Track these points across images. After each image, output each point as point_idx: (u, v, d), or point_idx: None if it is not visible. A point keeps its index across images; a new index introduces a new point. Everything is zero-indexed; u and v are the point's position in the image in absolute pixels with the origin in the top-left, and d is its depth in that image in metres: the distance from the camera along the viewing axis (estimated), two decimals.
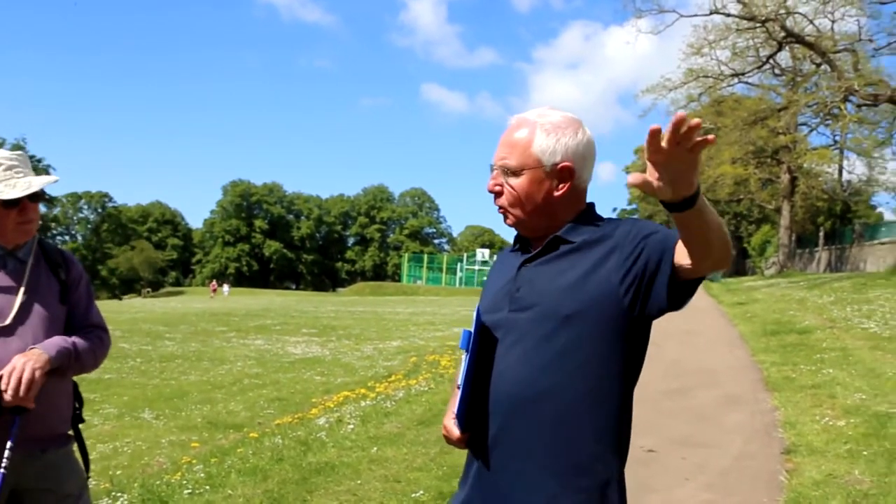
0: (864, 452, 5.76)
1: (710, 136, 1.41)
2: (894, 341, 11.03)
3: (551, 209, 1.92)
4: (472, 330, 1.89)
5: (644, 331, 1.88)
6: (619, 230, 1.86)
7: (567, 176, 1.91)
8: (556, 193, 1.91)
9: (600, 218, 1.97)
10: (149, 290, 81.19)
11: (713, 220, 1.57)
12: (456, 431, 1.92)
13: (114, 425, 8.47)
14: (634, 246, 1.77)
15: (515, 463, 1.83)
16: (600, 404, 1.82)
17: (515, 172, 1.91)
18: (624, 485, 1.87)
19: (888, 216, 44.15)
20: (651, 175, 1.47)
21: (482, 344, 1.90)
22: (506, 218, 1.97)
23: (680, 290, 1.72)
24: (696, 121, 1.38)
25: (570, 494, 1.78)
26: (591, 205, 2.00)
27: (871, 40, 24.73)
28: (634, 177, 1.47)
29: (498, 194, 1.95)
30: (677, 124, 1.37)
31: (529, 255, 1.96)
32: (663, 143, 1.40)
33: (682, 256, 1.66)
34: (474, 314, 1.95)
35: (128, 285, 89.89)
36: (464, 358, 1.90)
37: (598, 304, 1.79)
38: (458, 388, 1.90)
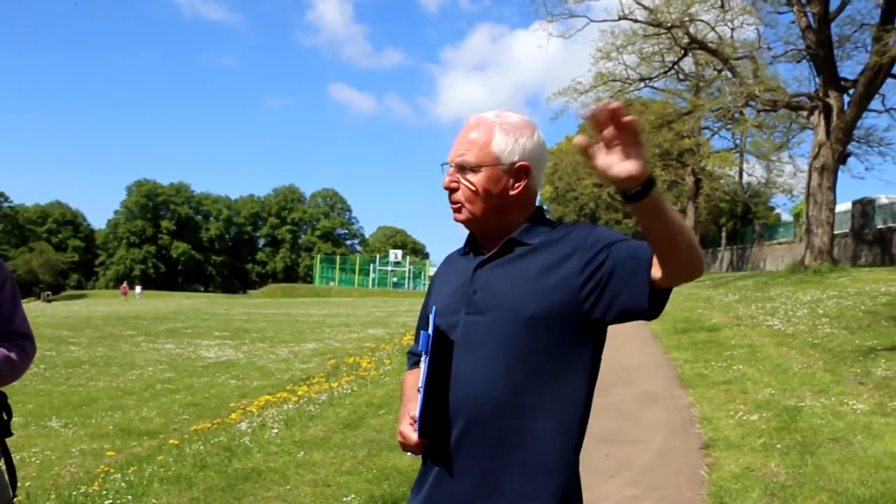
0: (778, 445, 5.98)
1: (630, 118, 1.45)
2: (797, 338, 11.50)
3: (506, 208, 1.93)
4: (429, 332, 1.86)
5: (601, 334, 1.89)
6: (576, 234, 1.87)
7: (523, 175, 1.92)
8: (512, 192, 1.92)
9: (551, 221, 1.98)
10: (49, 293, 78.02)
11: (676, 220, 1.58)
12: (414, 437, 1.86)
13: (19, 435, 8.08)
14: (597, 252, 1.78)
15: (479, 466, 1.81)
16: (563, 405, 1.82)
17: (474, 169, 1.91)
18: (580, 482, 1.89)
19: (785, 217, 46.04)
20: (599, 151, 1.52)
21: (438, 347, 1.87)
22: (458, 213, 1.96)
23: (655, 299, 1.73)
24: (613, 104, 1.44)
25: (535, 494, 1.78)
26: (541, 208, 2.01)
27: (769, 48, 25.67)
28: (580, 139, 1.51)
29: (453, 190, 1.94)
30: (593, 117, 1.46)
31: (485, 257, 1.95)
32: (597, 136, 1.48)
33: (655, 267, 1.68)
34: (430, 317, 1.92)
35: (26, 289, 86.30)
36: (423, 361, 1.87)
37: (559, 306, 1.79)
38: (419, 391, 1.86)
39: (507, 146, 1.91)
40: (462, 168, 1.92)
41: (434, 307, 1.98)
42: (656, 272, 1.68)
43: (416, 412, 1.86)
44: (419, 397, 1.85)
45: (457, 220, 1.97)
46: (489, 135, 1.92)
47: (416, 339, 2.19)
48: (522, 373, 1.80)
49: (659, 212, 1.55)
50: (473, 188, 1.91)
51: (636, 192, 1.52)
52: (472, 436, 1.82)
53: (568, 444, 1.83)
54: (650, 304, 1.72)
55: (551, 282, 1.81)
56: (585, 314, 1.80)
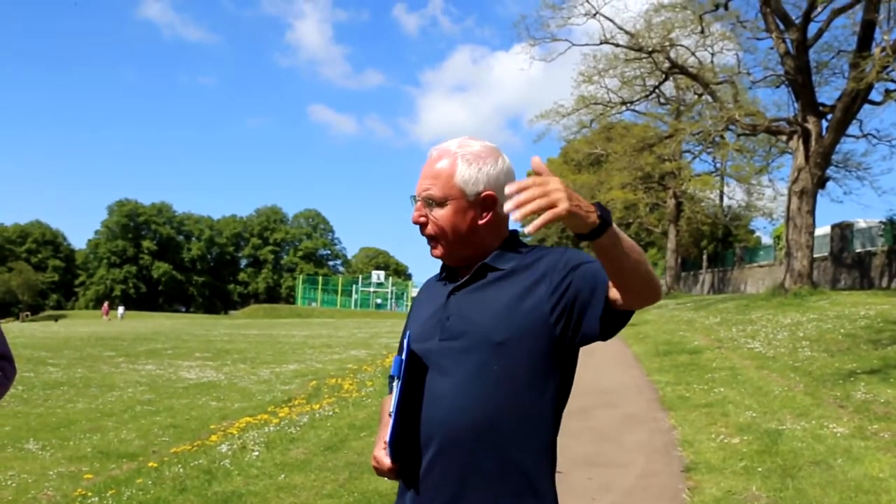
0: (759, 469, 6.00)
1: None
2: (778, 360, 11.56)
3: (477, 238, 1.94)
4: (402, 358, 1.87)
5: (573, 357, 1.90)
6: (547, 258, 1.89)
7: (490, 204, 1.93)
8: (481, 222, 1.93)
9: (525, 245, 1.99)
10: (27, 313, 77.24)
11: (633, 252, 1.61)
12: (387, 461, 1.87)
13: None
14: (564, 275, 1.80)
15: (450, 492, 1.81)
16: (534, 431, 1.83)
17: (440, 203, 1.92)
18: None
19: (765, 240, 46.34)
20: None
21: (412, 372, 1.88)
22: (434, 249, 1.97)
23: (611, 321, 1.76)
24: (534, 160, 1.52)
25: None
26: (515, 232, 2.02)
27: (748, 73, 25.95)
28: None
29: (423, 225, 1.95)
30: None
31: (458, 283, 1.96)
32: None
33: (614, 290, 1.71)
34: (405, 342, 1.93)
35: (4, 309, 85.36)
36: (396, 386, 1.87)
37: (530, 331, 1.81)
38: (390, 415, 1.86)
39: (471, 177, 1.91)
40: (429, 202, 1.93)
41: (409, 332, 1.99)
42: (616, 296, 1.70)
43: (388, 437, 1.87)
44: (391, 422, 1.85)
45: (433, 255, 1.99)
46: (452, 166, 1.92)
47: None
48: (494, 399, 1.80)
49: (616, 246, 1.58)
50: (441, 224, 1.92)
51: (591, 232, 1.54)
52: (443, 462, 1.82)
53: (540, 470, 1.83)
54: (605, 327, 1.76)
55: (523, 308, 1.82)
56: (557, 338, 1.81)
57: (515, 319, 1.81)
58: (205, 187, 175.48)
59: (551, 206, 1.48)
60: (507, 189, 1.50)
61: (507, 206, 1.49)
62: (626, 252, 1.59)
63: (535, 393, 1.82)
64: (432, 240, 1.95)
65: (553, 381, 1.85)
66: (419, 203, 1.95)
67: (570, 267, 1.81)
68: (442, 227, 1.92)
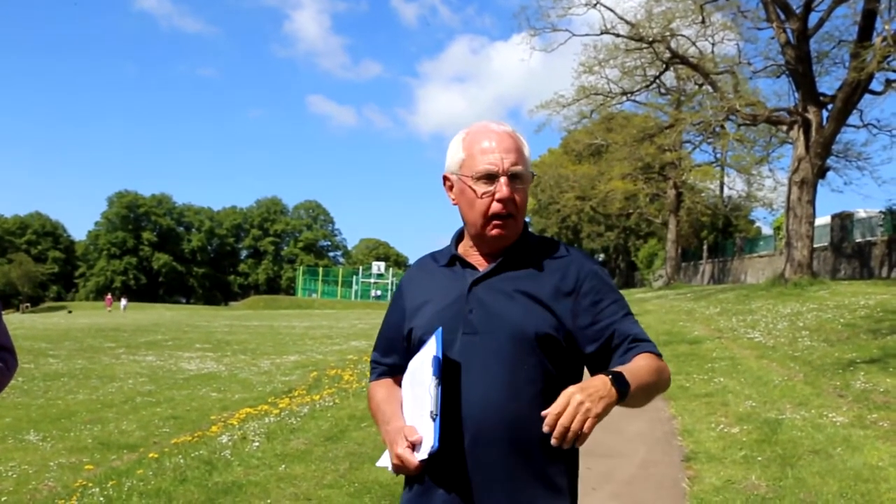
0: (759, 458, 6.01)
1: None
2: (778, 350, 11.57)
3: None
4: (439, 356, 1.76)
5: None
6: (574, 267, 1.88)
7: (531, 186, 1.93)
8: (527, 204, 1.94)
9: (538, 236, 1.97)
10: (27, 305, 77.29)
11: (649, 389, 1.73)
12: (415, 461, 1.74)
13: None
14: (603, 308, 1.86)
15: (481, 487, 1.78)
16: None
17: (524, 180, 1.87)
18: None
19: (766, 230, 46.32)
20: None
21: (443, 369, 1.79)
22: (502, 228, 1.86)
23: None
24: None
25: None
26: (525, 221, 2.00)
27: (749, 63, 25.88)
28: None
29: (508, 202, 1.85)
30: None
31: (482, 274, 1.88)
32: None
33: None
34: (437, 337, 1.79)
35: (4, 301, 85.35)
36: (434, 386, 1.75)
37: (556, 333, 1.80)
38: (433, 418, 1.72)
39: (529, 157, 1.92)
40: (515, 178, 1.86)
41: (440, 328, 1.83)
42: None
43: (417, 436, 1.75)
44: (434, 425, 1.71)
45: (501, 234, 1.87)
46: (522, 144, 1.91)
47: (376, 346, 2.11)
48: (519, 397, 1.77)
49: (636, 399, 1.68)
50: (524, 200, 1.89)
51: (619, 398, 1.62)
52: (471, 459, 1.78)
53: (565, 469, 1.83)
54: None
55: (549, 309, 1.81)
56: (580, 348, 1.84)
57: (542, 320, 1.79)
58: (205, 178, 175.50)
59: (585, 420, 1.53)
60: (546, 426, 1.56)
61: (557, 438, 1.55)
62: (645, 393, 1.71)
63: (558, 392, 1.74)
64: (509, 218, 1.86)
65: (575, 380, 1.83)
66: (504, 178, 1.84)
67: (609, 300, 1.87)
68: (523, 205, 1.89)
